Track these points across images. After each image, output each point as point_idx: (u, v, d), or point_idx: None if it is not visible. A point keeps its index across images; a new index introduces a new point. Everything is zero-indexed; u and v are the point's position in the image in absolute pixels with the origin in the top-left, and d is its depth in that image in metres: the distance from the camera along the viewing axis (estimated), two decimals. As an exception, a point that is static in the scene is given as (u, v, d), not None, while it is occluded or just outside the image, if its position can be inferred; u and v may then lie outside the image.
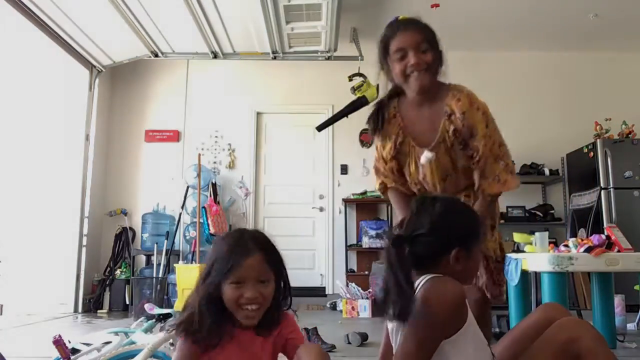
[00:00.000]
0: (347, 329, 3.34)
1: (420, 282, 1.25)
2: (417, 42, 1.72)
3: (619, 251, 2.66)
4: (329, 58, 5.25)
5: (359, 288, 4.81)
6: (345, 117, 5.28)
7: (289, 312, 1.38)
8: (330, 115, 5.09)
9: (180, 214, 5.40)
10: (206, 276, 1.27)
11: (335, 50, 5.14)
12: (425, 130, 1.80)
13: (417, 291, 1.22)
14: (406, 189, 1.92)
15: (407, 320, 1.17)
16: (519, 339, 1.34)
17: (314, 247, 5.74)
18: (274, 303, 1.31)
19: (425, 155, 1.76)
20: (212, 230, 5.05)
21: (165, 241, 5.24)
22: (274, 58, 5.29)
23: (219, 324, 1.27)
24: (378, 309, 4.61)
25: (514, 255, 2.93)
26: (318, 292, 5.55)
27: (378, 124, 1.87)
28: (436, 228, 1.29)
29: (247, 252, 1.25)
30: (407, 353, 1.17)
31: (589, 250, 2.59)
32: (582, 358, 1.20)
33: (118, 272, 5.32)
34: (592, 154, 5.17)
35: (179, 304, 4.44)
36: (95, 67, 5.40)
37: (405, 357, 1.17)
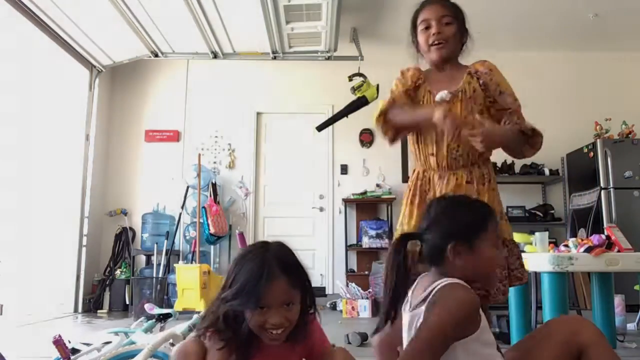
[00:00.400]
0: (347, 329, 3.34)
1: (435, 286, 1.23)
2: (441, 15, 1.79)
3: (619, 251, 2.66)
4: (329, 58, 5.26)
5: (359, 288, 4.81)
6: (345, 117, 5.28)
7: (315, 317, 1.35)
8: (330, 115, 5.09)
9: (180, 214, 5.40)
10: (227, 299, 1.22)
11: (335, 50, 5.14)
12: (445, 82, 1.83)
13: (430, 296, 1.22)
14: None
15: (389, 324, 1.25)
16: (528, 348, 1.32)
17: (314, 247, 5.74)
18: (301, 319, 1.27)
19: (441, 94, 1.78)
20: (212, 230, 5.05)
21: (165, 241, 5.24)
22: (274, 58, 5.29)
23: (247, 337, 1.23)
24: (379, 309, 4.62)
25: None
26: (318, 292, 5.54)
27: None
28: (435, 222, 1.30)
29: (271, 278, 1.19)
30: (416, 351, 1.16)
31: (589, 250, 2.58)
32: (585, 350, 1.21)
33: (118, 272, 5.32)
34: (592, 154, 5.18)
35: (179, 304, 4.44)
36: (95, 67, 5.40)
37: (415, 353, 1.16)
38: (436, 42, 1.79)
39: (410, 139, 1.90)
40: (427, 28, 1.80)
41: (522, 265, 1.80)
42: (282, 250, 1.27)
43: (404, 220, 1.79)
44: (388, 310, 1.29)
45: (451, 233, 1.27)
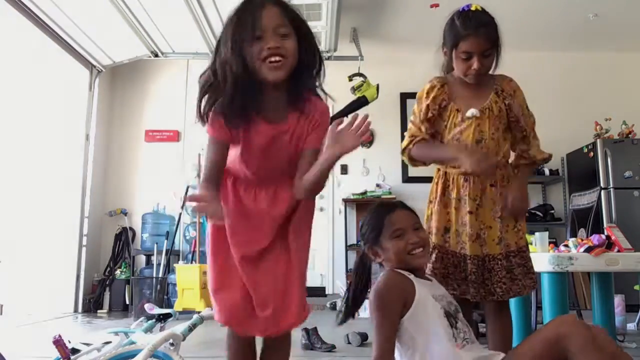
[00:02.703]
0: (347, 329, 3.32)
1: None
2: (485, 49, 1.80)
3: (619, 251, 2.66)
4: (329, 58, 5.24)
5: (359, 288, 4.80)
6: (345, 117, 5.22)
7: (323, 102, 1.44)
8: (330, 115, 5.09)
9: (180, 214, 5.39)
10: (225, 44, 1.28)
11: (335, 50, 5.14)
12: (471, 98, 1.86)
13: None
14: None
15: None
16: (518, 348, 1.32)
17: (313, 247, 5.61)
18: (303, 68, 1.33)
19: (471, 111, 1.83)
20: (212, 230, 5.04)
21: (165, 241, 5.24)
22: (274, 58, 5.28)
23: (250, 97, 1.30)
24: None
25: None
26: (318, 292, 5.54)
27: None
28: (360, 232, 1.61)
29: (262, 4, 1.28)
30: (374, 333, 1.45)
31: (589, 250, 2.58)
32: (571, 357, 1.19)
33: (118, 272, 5.32)
34: (592, 154, 5.18)
35: (179, 304, 4.44)
36: (95, 67, 5.40)
37: (374, 340, 1.43)
38: (474, 74, 1.81)
39: None
40: (468, 59, 1.80)
41: (512, 279, 1.88)
42: None
43: (425, 220, 1.88)
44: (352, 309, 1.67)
45: (365, 241, 1.54)
